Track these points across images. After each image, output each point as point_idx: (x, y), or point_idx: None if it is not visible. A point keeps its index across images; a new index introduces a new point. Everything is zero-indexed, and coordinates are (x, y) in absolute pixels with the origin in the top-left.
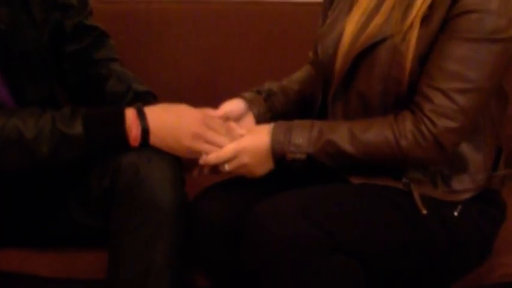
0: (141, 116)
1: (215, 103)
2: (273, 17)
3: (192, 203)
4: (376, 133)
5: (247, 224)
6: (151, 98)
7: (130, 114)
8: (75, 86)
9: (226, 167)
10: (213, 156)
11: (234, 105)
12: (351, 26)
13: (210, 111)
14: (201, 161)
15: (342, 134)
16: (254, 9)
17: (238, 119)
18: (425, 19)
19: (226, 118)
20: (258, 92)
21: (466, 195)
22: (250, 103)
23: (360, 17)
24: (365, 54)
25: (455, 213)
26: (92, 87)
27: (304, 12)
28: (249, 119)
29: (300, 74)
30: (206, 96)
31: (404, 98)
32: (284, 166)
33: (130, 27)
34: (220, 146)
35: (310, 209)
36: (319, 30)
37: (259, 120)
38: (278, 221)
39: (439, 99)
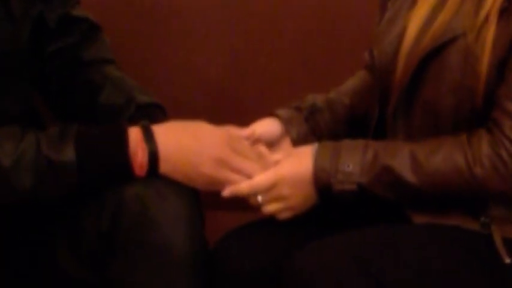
0: (149, 136)
1: (239, 119)
2: (316, 7)
3: (213, 249)
4: (444, 158)
5: (285, 280)
6: (159, 113)
7: (134, 134)
8: (60, 96)
9: (260, 199)
10: (245, 186)
11: (267, 127)
12: (414, 22)
13: (235, 131)
14: (227, 193)
15: (403, 159)
16: None
17: (271, 144)
18: (504, 12)
19: (256, 140)
20: (298, 109)
21: None
22: (287, 123)
23: (425, 11)
24: (431, 57)
25: None
26: (82, 97)
27: (357, 0)
28: (286, 143)
29: (353, 82)
30: (228, 109)
31: (481, 112)
32: (330, 198)
33: (128, 20)
34: (249, 175)
35: (366, 261)
36: (376, 27)
37: (298, 145)
38: (328, 280)
39: None
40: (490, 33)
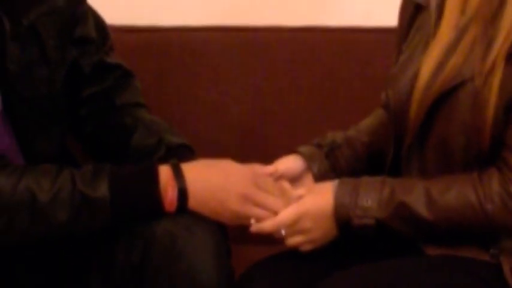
0: (178, 174)
1: (263, 156)
2: (336, 48)
3: (239, 281)
4: (457, 195)
5: None
6: (188, 153)
7: (164, 172)
8: (93, 138)
9: (283, 233)
10: (269, 223)
11: (289, 164)
12: (426, 66)
13: (260, 168)
14: (253, 230)
15: (418, 196)
16: (312, 37)
17: (294, 179)
18: (511, 58)
19: (279, 176)
20: (319, 146)
21: None
22: (309, 160)
23: (437, 55)
24: (443, 99)
25: None
26: (115, 139)
27: (375, 42)
28: (308, 179)
29: (371, 120)
30: (252, 147)
31: (489, 151)
32: (349, 232)
33: (158, 61)
34: (273, 210)
35: None
36: (392, 69)
37: (319, 180)
38: None
39: None
40: (497, 78)
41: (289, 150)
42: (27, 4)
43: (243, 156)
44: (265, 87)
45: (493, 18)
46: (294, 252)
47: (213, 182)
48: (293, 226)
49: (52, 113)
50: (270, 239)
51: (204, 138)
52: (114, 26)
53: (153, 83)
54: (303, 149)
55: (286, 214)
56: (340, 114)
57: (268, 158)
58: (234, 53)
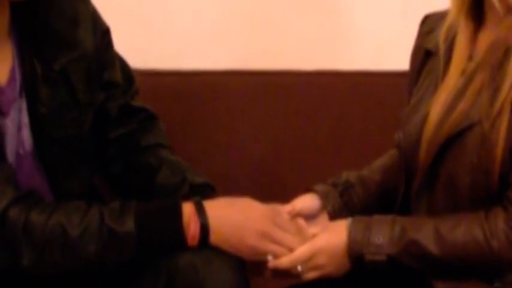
0: (201, 211)
1: (281, 195)
2: (349, 91)
3: None
4: (464, 232)
5: None
6: (209, 191)
7: (188, 209)
8: (120, 177)
9: (299, 268)
10: (286, 260)
11: (306, 202)
12: (435, 109)
13: (278, 207)
14: (271, 265)
15: (427, 233)
16: (326, 81)
17: (310, 217)
18: None
19: (295, 215)
20: (334, 185)
21: None
22: (324, 198)
23: (446, 99)
24: (451, 141)
25: None
26: (140, 178)
27: (387, 85)
28: (323, 217)
29: (384, 160)
30: (271, 186)
31: (495, 190)
32: (362, 267)
33: (179, 104)
34: (289, 247)
35: None
36: (403, 111)
37: (334, 217)
38: None
39: None
40: (504, 122)
41: (305, 189)
42: (58, 50)
43: (260, 194)
44: (281, 128)
45: (500, 64)
46: (310, 283)
47: (233, 219)
48: (308, 262)
49: (80, 153)
50: (283, 273)
51: (223, 177)
52: (138, 70)
53: (175, 124)
54: (319, 187)
55: (302, 251)
56: (353, 154)
57: (284, 197)
58: (252, 96)
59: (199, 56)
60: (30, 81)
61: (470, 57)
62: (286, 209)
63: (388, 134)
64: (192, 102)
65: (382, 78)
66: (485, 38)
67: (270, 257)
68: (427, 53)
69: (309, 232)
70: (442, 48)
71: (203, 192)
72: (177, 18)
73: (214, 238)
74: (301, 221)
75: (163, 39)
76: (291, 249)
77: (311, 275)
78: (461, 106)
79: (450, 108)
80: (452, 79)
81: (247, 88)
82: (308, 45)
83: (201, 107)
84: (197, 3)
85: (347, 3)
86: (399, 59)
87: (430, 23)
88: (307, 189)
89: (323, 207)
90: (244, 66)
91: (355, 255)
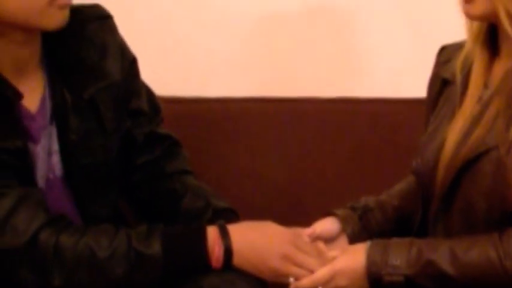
0: (224, 235)
1: (302, 218)
2: (370, 118)
3: None
4: (479, 253)
5: None
6: (232, 216)
7: (212, 233)
8: (145, 202)
9: None
10: (307, 281)
11: (327, 226)
12: (452, 136)
13: (299, 231)
14: (292, 287)
15: (443, 254)
16: (346, 108)
17: (330, 240)
18: None
19: (316, 238)
20: (353, 209)
21: None
22: (343, 222)
23: (462, 126)
24: (468, 166)
25: None
26: (165, 203)
27: (405, 112)
28: (342, 240)
29: (402, 186)
30: (291, 210)
31: (510, 214)
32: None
33: (201, 130)
34: (310, 269)
35: None
36: (421, 138)
37: (353, 240)
38: None
39: None
40: None
41: (325, 213)
42: (88, 79)
43: (281, 218)
44: (301, 154)
45: None
46: None
47: (256, 242)
48: (329, 284)
49: (108, 179)
50: None
51: (245, 201)
52: (162, 97)
53: (196, 150)
54: (339, 211)
55: (323, 273)
56: (371, 180)
57: (305, 220)
58: (272, 122)
59: (221, 83)
60: (60, 109)
61: (485, 86)
62: (306, 232)
63: (405, 160)
64: (213, 129)
65: (398, 106)
66: (500, 66)
67: (291, 279)
68: (444, 82)
69: (329, 255)
70: (458, 77)
71: (226, 216)
72: (198, 47)
73: (237, 260)
74: (321, 244)
75: (186, 68)
76: (311, 271)
77: None
78: (478, 132)
79: (467, 134)
80: (468, 106)
81: (267, 115)
82: (325, 73)
83: (221, 134)
84: (218, 33)
85: (363, 31)
86: (415, 87)
87: (447, 53)
88: (327, 213)
89: (342, 230)
90: (264, 94)
91: (374, 276)
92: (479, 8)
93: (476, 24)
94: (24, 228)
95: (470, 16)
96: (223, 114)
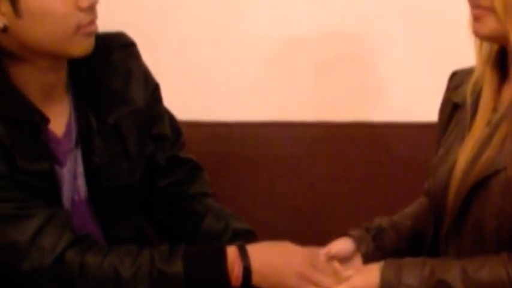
0: (243, 254)
1: (318, 238)
2: (383, 141)
3: None
4: (489, 272)
5: None
6: (251, 237)
7: (232, 253)
8: (167, 223)
9: None
10: None
11: (342, 245)
12: (463, 158)
13: (315, 250)
14: None
15: (455, 274)
16: (360, 132)
17: (345, 259)
18: None
19: (331, 257)
20: (367, 229)
21: None
22: (358, 242)
23: (472, 148)
24: (478, 187)
25: None
26: (187, 224)
27: (418, 136)
28: (357, 259)
29: (414, 207)
30: (308, 230)
31: None
32: None
33: (222, 154)
34: None
35: None
36: (432, 160)
37: (367, 260)
38: None
39: None
40: None
41: (340, 233)
42: (112, 105)
43: (298, 238)
44: (317, 177)
45: None
46: None
47: (274, 261)
48: None
49: (131, 201)
50: None
51: (262, 222)
52: (183, 121)
53: (216, 173)
54: (353, 232)
55: None
56: (384, 201)
57: (321, 240)
58: (288, 146)
59: (240, 107)
60: (85, 134)
61: (495, 109)
62: (322, 252)
63: (418, 182)
64: (232, 152)
65: (412, 130)
66: (510, 90)
67: None
68: (455, 106)
69: (344, 274)
70: (468, 101)
71: (245, 237)
72: (218, 72)
73: (256, 279)
74: (336, 264)
75: (206, 92)
76: None
77: None
78: (487, 154)
79: (476, 156)
80: (478, 129)
81: (284, 138)
82: (341, 98)
83: (241, 157)
84: (236, 58)
85: (378, 57)
86: (428, 111)
87: (457, 79)
88: (342, 234)
89: (357, 250)
90: (281, 118)
91: None
92: (488, 27)
93: (485, 47)
94: (51, 248)
95: (479, 35)
96: (242, 138)
